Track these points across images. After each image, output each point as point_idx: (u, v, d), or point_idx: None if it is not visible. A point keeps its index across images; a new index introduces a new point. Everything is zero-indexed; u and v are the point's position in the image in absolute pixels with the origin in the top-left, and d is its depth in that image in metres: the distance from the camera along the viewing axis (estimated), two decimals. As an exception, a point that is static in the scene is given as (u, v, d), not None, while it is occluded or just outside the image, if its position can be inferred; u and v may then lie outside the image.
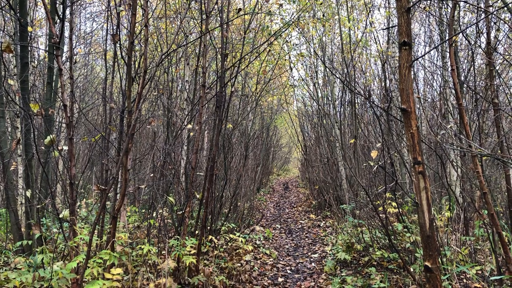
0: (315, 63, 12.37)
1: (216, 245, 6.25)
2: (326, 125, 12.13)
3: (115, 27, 5.28)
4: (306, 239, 8.97)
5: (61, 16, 4.33)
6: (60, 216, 4.54)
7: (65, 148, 4.36)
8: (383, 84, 9.07)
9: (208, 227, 6.42)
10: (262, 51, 7.38)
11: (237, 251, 6.46)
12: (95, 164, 7.96)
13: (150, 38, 8.06)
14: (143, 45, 5.08)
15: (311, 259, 7.20)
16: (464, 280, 5.34)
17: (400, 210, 6.27)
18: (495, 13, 6.16)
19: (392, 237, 6.07)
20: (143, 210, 7.68)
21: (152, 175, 6.63)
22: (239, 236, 6.38)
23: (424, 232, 1.80)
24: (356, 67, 10.78)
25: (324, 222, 10.51)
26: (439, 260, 4.43)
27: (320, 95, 12.49)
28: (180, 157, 8.14)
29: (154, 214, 6.25)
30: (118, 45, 5.46)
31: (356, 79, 10.63)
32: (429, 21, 9.23)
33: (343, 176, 10.66)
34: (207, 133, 10.24)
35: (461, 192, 7.39)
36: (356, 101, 10.57)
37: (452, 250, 5.81)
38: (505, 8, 5.93)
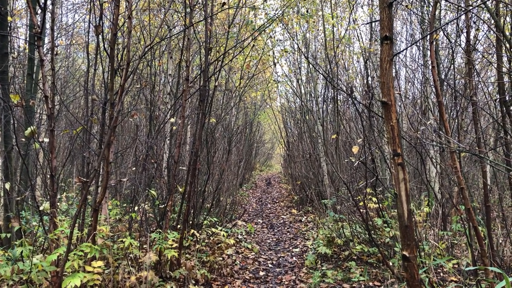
0: (298, 60, 12.43)
1: (198, 239, 6.26)
2: (309, 121, 12.21)
3: (97, 19, 5.23)
4: (288, 233, 9.04)
5: (42, 6, 4.27)
6: (41, 208, 4.49)
7: (46, 140, 4.31)
8: (365, 81, 9.17)
9: (190, 221, 6.42)
10: (246, 46, 7.38)
11: (219, 245, 6.48)
12: (76, 157, 7.87)
13: (133, 31, 7.99)
14: (126, 38, 5.04)
15: (293, 254, 7.27)
16: (441, 274, 5.47)
17: (380, 205, 6.37)
18: (475, 12, 6.28)
19: (372, 232, 6.16)
20: (125, 205, 7.64)
21: (134, 168, 6.59)
22: (221, 230, 6.40)
23: (403, 222, 1.85)
24: (339, 64, 10.85)
25: (305, 217, 10.61)
26: (417, 251, 4.52)
27: (303, 91, 12.56)
28: (163, 151, 8.11)
29: (136, 208, 6.22)
30: (100, 36, 5.41)
31: (339, 76, 10.72)
32: (411, 19, 9.36)
33: (325, 171, 10.76)
34: (190, 128, 10.22)
35: (440, 188, 7.53)
36: (338, 98, 10.67)
37: (430, 244, 5.93)
38: (485, 8, 6.04)
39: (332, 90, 10.83)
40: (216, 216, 7.92)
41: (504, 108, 4.57)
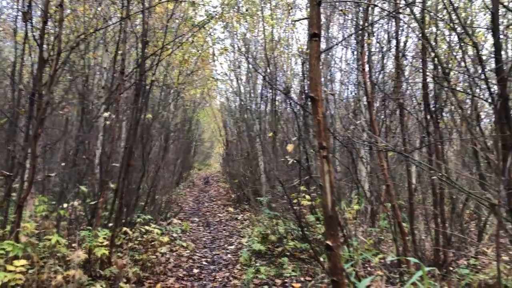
0: (238, 59, 12.49)
1: (131, 237, 6.11)
2: (248, 120, 12.30)
3: (26, 6, 4.95)
4: (224, 231, 9.06)
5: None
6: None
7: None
8: (302, 83, 9.39)
9: (123, 219, 6.25)
10: (184, 41, 7.30)
11: (152, 243, 6.37)
12: (0, 151, 7.40)
13: (66, 22, 7.63)
14: (58, 27, 4.81)
15: (227, 251, 7.29)
16: (368, 268, 5.72)
17: (313, 202, 6.55)
18: (405, 20, 6.64)
19: (305, 228, 6.33)
20: (54, 202, 7.29)
21: (64, 164, 6.31)
22: (154, 228, 6.29)
23: (327, 213, 1.93)
24: (278, 65, 11.04)
25: (242, 215, 10.68)
26: (346, 245, 4.70)
27: (243, 90, 12.64)
28: (96, 147, 7.82)
29: (66, 205, 5.95)
30: (30, 25, 5.13)
31: (278, 77, 10.90)
32: (345, 24, 9.70)
33: (262, 170, 10.89)
34: (125, 124, 9.94)
35: (370, 186, 7.89)
36: (276, 98, 10.85)
37: (359, 240, 6.19)
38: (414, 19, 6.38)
39: (270, 90, 10.99)
40: (150, 214, 7.75)
41: (428, 111, 4.87)
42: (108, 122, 7.50)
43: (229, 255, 7.00)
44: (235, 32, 11.37)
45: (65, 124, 6.90)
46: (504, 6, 2.82)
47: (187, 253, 7.00)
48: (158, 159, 8.81)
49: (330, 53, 10.24)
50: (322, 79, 10.50)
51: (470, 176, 4.52)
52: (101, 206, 5.61)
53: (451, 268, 5.52)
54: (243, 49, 11.61)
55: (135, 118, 5.87)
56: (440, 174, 4.25)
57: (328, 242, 1.92)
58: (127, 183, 6.14)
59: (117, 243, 5.63)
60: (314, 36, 1.94)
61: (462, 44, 4.57)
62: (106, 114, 6.66)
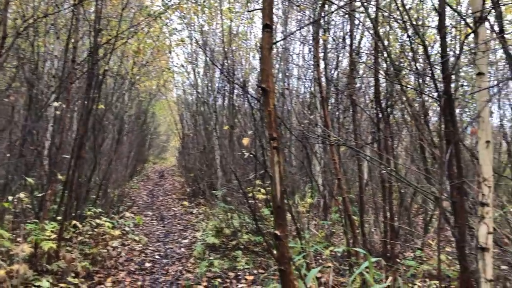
0: (196, 51, 12.36)
1: (81, 231, 5.94)
2: (205, 113, 12.20)
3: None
4: (178, 225, 8.98)
5: None
6: None
7: None
8: (260, 77, 9.41)
9: (73, 213, 6.06)
10: (140, 31, 7.14)
11: (103, 237, 6.21)
12: None
13: (14, 6, 7.28)
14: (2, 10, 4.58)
15: (181, 245, 7.24)
16: (320, 260, 5.85)
17: (268, 196, 6.61)
18: (360, 19, 6.79)
19: (259, 222, 6.38)
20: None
21: (9, 154, 6.03)
22: (106, 221, 6.14)
23: (276, 203, 1.95)
24: (236, 59, 11.01)
25: (197, 209, 10.61)
26: (299, 238, 4.78)
27: (200, 83, 12.52)
28: (45, 138, 7.53)
29: (11, 198, 5.70)
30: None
31: (235, 71, 10.88)
32: (303, 20, 9.80)
33: (218, 164, 10.86)
34: (77, 114, 9.62)
35: (323, 181, 8.05)
36: (234, 92, 10.84)
37: (311, 233, 6.31)
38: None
39: (228, 84, 10.96)
40: (102, 208, 7.55)
41: (379, 108, 5.02)
42: (58, 112, 7.24)
43: (182, 249, 6.95)
44: (192, 24, 11.24)
45: (11, 113, 6.59)
46: (450, 7, 2.94)
47: (139, 247, 6.88)
48: (111, 151, 8.59)
49: (287, 49, 10.34)
50: (280, 75, 10.59)
51: (417, 170, 4.70)
52: (49, 198, 5.42)
53: (398, 260, 5.74)
54: (200, 42, 11.49)
55: (87, 108, 5.69)
56: (389, 168, 4.39)
57: (277, 232, 1.95)
58: (77, 175, 5.95)
59: (66, 236, 5.46)
60: (266, 27, 1.94)
61: (413, 43, 4.73)
62: (56, 104, 6.42)
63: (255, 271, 5.55)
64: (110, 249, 5.97)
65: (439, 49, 4.00)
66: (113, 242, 6.19)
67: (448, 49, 5.28)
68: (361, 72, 8.51)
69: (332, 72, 7.63)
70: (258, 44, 9.23)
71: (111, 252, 5.89)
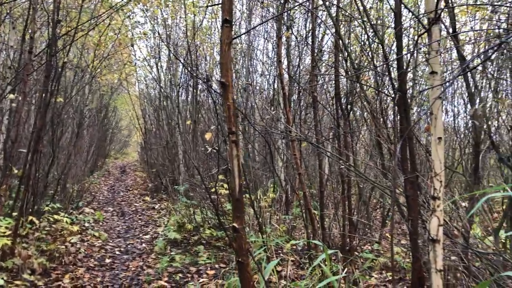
0: (159, 45, 12.19)
1: (38, 227, 5.79)
2: (168, 108, 12.08)
3: None
4: (139, 221, 8.88)
5: None
6: None
7: None
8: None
9: (30, 208, 5.89)
10: (101, 22, 6.99)
11: (61, 233, 6.09)
12: None
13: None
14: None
15: (142, 240, 7.17)
16: (281, 254, 5.94)
17: (231, 191, 6.64)
18: (323, 18, 6.91)
19: (222, 216, 6.40)
20: None
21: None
22: (64, 217, 6.01)
23: (234, 196, 1.99)
24: (200, 54, 10.95)
25: (159, 204, 10.53)
26: (261, 233, 4.84)
27: (163, 77, 12.37)
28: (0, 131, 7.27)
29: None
30: None
31: (199, 66, 10.82)
32: (267, 16, 9.86)
33: (181, 159, 10.80)
34: (34, 108, 9.31)
35: (285, 176, 8.15)
36: (197, 87, 10.78)
37: (273, 227, 6.40)
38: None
39: (191, 79, 10.89)
40: (60, 203, 7.38)
41: (339, 105, 5.14)
42: (14, 105, 6.99)
43: (144, 245, 6.89)
44: (155, 17, 11.08)
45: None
46: (405, 7, 3.06)
47: (99, 243, 6.77)
48: (70, 145, 8.38)
49: (251, 45, 10.37)
50: (244, 70, 10.62)
51: (373, 166, 4.85)
52: (4, 194, 5.24)
53: (356, 253, 5.91)
54: (164, 36, 11.35)
55: (45, 101, 5.54)
56: (347, 164, 4.52)
57: (235, 224, 1.99)
58: (35, 170, 5.79)
59: (22, 233, 5.31)
60: (225, 22, 1.97)
61: (372, 42, 4.87)
62: (12, 96, 6.20)
63: (216, 266, 5.58)
64: (69, 245, 5.86)
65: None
66: (71, 238, 6.07)
67: (406, 49, 5.47)
68: (324, 70, 8.67)
69: (295, 69, 7.72)
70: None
71: (70, 248, 5.78)
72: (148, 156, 14.19)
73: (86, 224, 7.50)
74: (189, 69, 9.33)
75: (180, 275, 5.27)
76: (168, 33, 11.39)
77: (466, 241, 3.81)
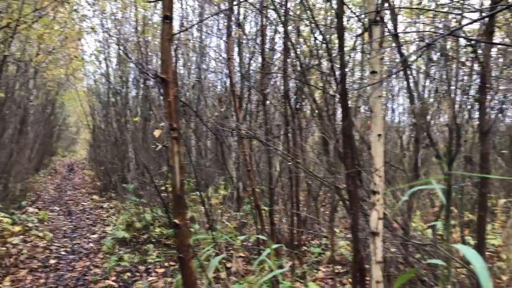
0: (108, 40, 11.87)
1: (-24, 228, 5.53)
2: (118, 105, 11.80)
3: None
4: (87, 220, 8.65)
5: None
6: None
7: None
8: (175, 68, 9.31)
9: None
10: (45, 14, 6.73)
11: (2, 233, 5.83)
12: None
13: None
14: None
15: (90, 240, 6.99)
16: (231, 250, 5.98)
17: (172, 187, 6.60)
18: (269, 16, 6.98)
19: (172, 214, 6.36)
20: None
21: None
22: (4, 217, 5.76)
23: (175, 192, 2.00)
24: (150, 49, 10.77)
25: (108, 203, 10.29)
26: (211, 229, 4.85)
27: (112, 73, 12.07)
28: None
29: None
30: None
31: (150, 61, 10.64)
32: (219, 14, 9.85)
33: (132, 157, 10.60)
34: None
35: (237, 173, 8.19)
36: (148, 83, 10.60)
37: (223, 224, 6.43)
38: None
39: (142, 74, 10.68)
40: (1, 203, 7.07)
41: (288, 103, 5.23)
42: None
43: (91, 244, 6.72)
44: (104, 11, 10.79)
45: None
46: (348, 7, 3.17)
47: (43, 243, 6.54)
48: (12, 143, 8.03)
49: (202, 42, 10.32)
50: (196, 67, 10.55)
51: (319, 162, 4.99)
52: None
53: (305, 247, 6.06)
54: (113, 30, 11.07)
55: (-17, 96, 5.29)
56: (296, 161, 4.62)
57: (176, 221, 2.00)
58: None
59: (-43, 235, 5.06)
60: (166, 19, 1.98)
61: (320, 42, 4.99)
62: None
63: (166, 264, 5.55)
64: (10, 247, 5.63)
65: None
66: (13, 239, 5.84)
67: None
68: (276, 68, 8.77)
69: (246, 67, 7.76)
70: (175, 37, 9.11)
71: (11, 250, 5.55)
72: (96, 153, 13.82)
73: (30, 224, 7.22)
74: (138, 65, 9.17)
75: (129, 274, 5.20)
76: (117, 28, 11.12)
77: (405, 234, 4.01)
